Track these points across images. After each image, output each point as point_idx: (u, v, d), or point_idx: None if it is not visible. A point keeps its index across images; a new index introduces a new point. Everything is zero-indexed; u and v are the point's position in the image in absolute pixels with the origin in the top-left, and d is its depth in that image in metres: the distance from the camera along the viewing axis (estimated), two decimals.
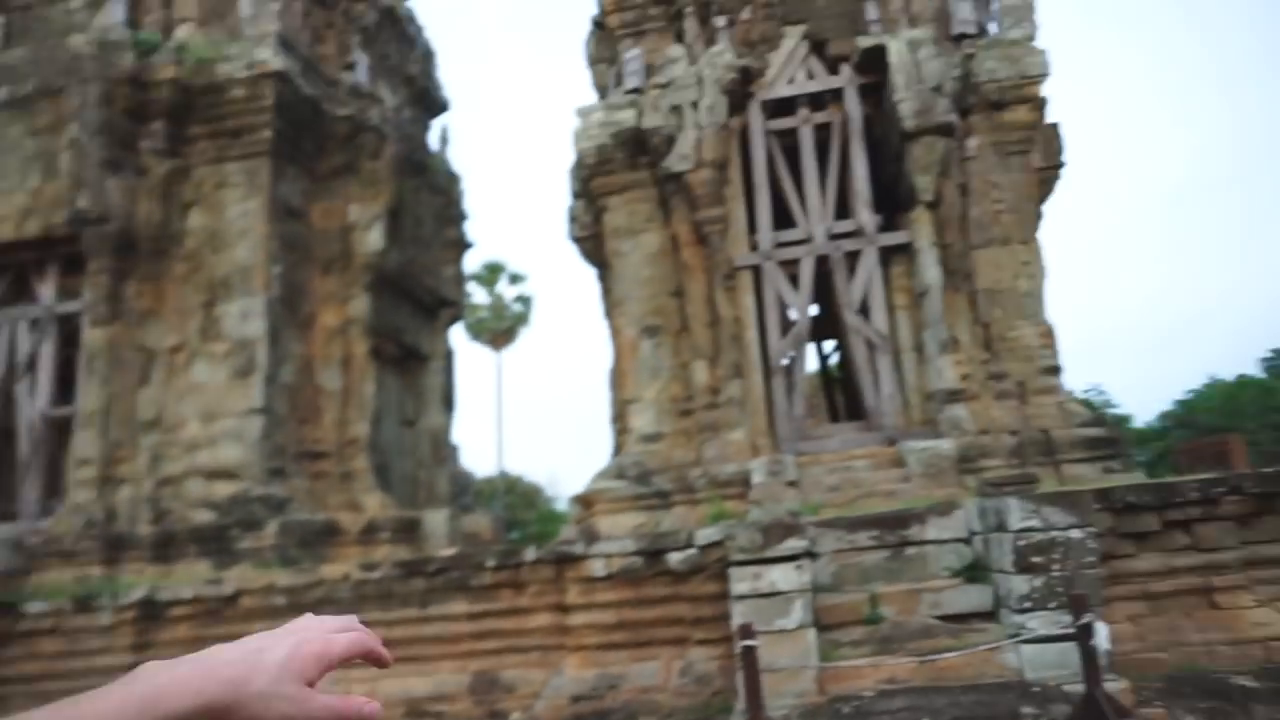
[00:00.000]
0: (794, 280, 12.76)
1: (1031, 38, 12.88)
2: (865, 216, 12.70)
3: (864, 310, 12.47)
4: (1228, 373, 26.73)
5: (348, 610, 10.18)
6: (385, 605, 10.12)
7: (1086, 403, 19.09)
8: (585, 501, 12.54)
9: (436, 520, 14.72)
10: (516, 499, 30.53)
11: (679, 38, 13.98)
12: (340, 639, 0.86)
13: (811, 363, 17.40)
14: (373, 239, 14.64)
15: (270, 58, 13.13)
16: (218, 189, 13.32)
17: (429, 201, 17.51)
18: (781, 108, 13.41)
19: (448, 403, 18.31)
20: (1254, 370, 26.91)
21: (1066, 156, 13.19)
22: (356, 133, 14.75)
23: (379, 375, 15.31)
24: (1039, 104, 12.85)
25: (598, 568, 9.61)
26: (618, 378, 13.55)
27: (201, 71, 13.20)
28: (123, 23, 13.60)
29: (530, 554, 9.94)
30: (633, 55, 14.32)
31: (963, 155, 12.71)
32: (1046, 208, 13.29)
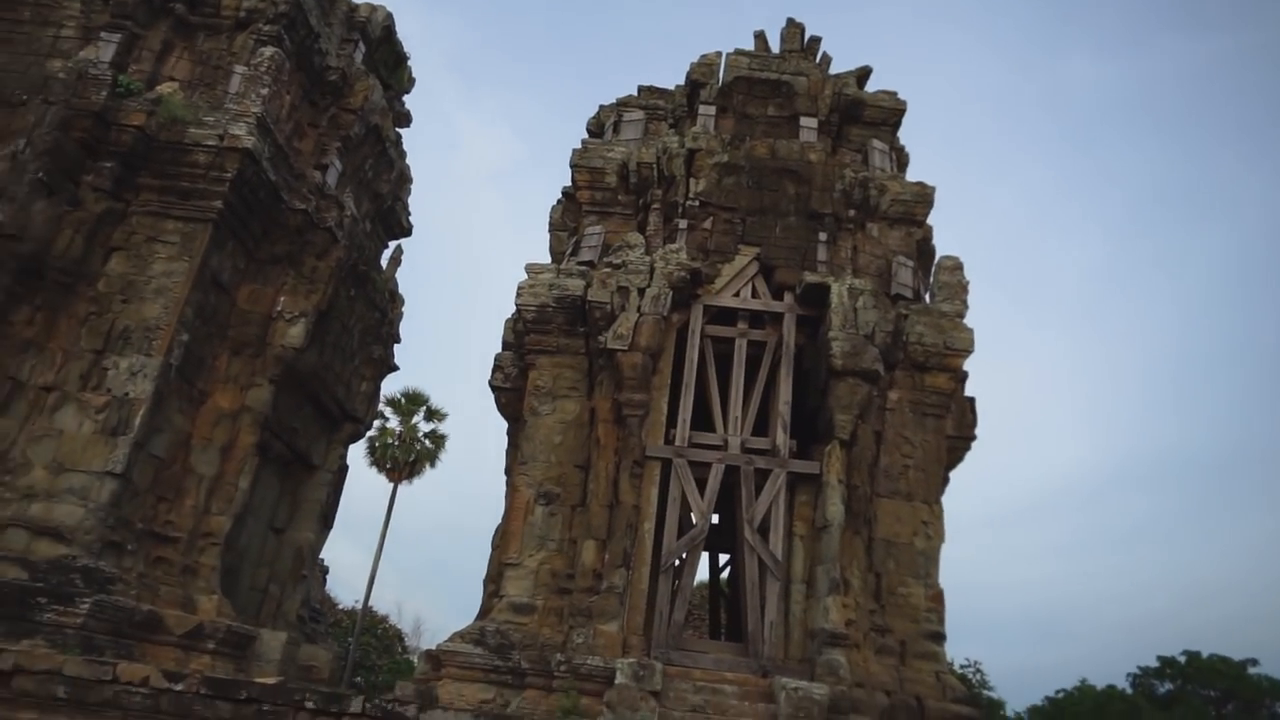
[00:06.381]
0: (701, 484, 12.65)
1: (961, 314, 13.72)
2: (781, 439, 12.84)
3: (763, 530, 12.35)
4: (1098, 678, 27.43)
5: None
6: None
7: (964, 678, 19.00)
8: (435, 661, 11.59)
9: (273, 642, 13.38)
10: (374, 641, 28.22)
11: (641, 228, 14.51)
12: None
13: (701, 571, 17.02)
14: (294, 333, 14.16)
15: (244, 135, 13.11)
16: (149, 242, 12.84)
17: (363, 314, 17.20)
18: (722, 316, 13.81)
19: (325, 519, 17.20)
20: (1122, 682, 27.69)
21: (983, 430, 13.76)
22: (308, 228, 14.61)
23: (259, 472, 14.35)
24: (959, 375, 13.53)
25: None
26: (503, 538, 12.94)
27: (171, 128, 13.06)
28: (108, 63, 13.51)
29: (355, 705, 9.06)
30: (594, 231, 14.77)
31: (883, 405, 13.15)
32: (954, 475, 13.70)
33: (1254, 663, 26.42)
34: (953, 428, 13.55)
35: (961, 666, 25.24)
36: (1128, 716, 23.57)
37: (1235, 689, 25.75)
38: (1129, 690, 26.95)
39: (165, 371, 12.31)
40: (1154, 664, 27.83)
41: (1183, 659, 27.28)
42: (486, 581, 13.65)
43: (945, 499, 13.10)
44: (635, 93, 16.70)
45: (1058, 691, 26.90)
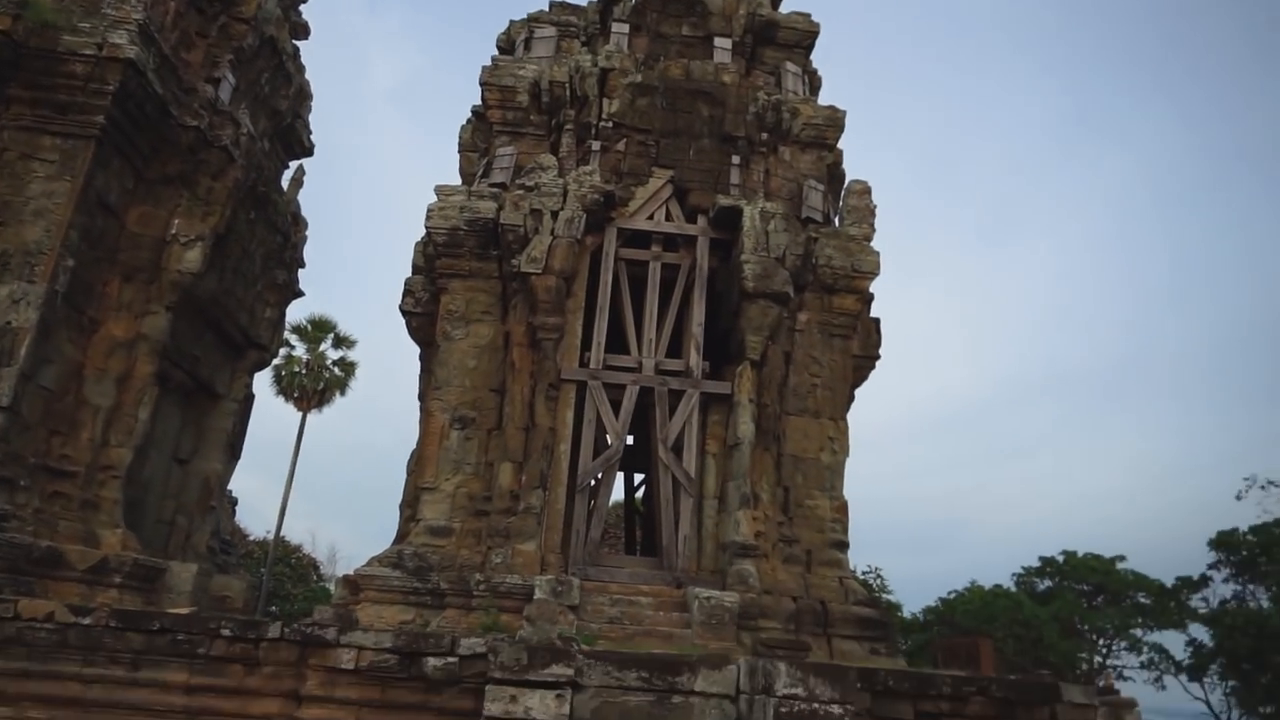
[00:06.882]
0: (616, 405, 12.83)
1: (869, 238, 14.08)
2: (694, 360, 13.09)
3: (677, 449, 12.67)
4: (986, 580, 29.32)
5: (42, 659, 8.75)
6: (89, 659, 8.81)
7: (865, 583, 20.14)
8: (352, 585, 11.63)
9: (184, 574, 13.15)
10: (288, 570, 27.95)
11: (554, 149, 14.28)
12: None
13: (617, 491, 17.41)
14: (190, 258, 13.55)
15: (125, 44, 12.23)
16: (24, 159, 11.97)
17: (264, 238, 16.53)
18: (636, 239, 13.82)
19: (232, 449, 16.78)
20: (1008, 582, 29.72)
21: (884, 351, 14.30)
22: (201, 147, 13.85)
23: (159, 403, 13.85)
24: (866, 297, 13.96)
25: (346, 659, 8.85)
26: (419, 463, 12.92)
27: (42, 35, 12.08)
28: None
29: (274, 630, 9.04)
30: (506, 152, 14.47)
31: (792, 326, 13.49)
32: (859, 393, 14.25)
33: (1122, 559, 28.75)
34: (859, 348, 14.03)
35: (864, 573, 26.73)
36: (1010, 611, 25.42)
37: (1105, 583, 28.09)
38: (1014, 589, 28.98)
39: (51, 299, 11.66)
40: (1036, 564, 29.96)
41: (1061, 558, 29.46)
42: (403, 506, 13.67)
43: (850, 416, 13.65)
44: (547, 8, 16.22)
45: (950, 592, 28.76)
